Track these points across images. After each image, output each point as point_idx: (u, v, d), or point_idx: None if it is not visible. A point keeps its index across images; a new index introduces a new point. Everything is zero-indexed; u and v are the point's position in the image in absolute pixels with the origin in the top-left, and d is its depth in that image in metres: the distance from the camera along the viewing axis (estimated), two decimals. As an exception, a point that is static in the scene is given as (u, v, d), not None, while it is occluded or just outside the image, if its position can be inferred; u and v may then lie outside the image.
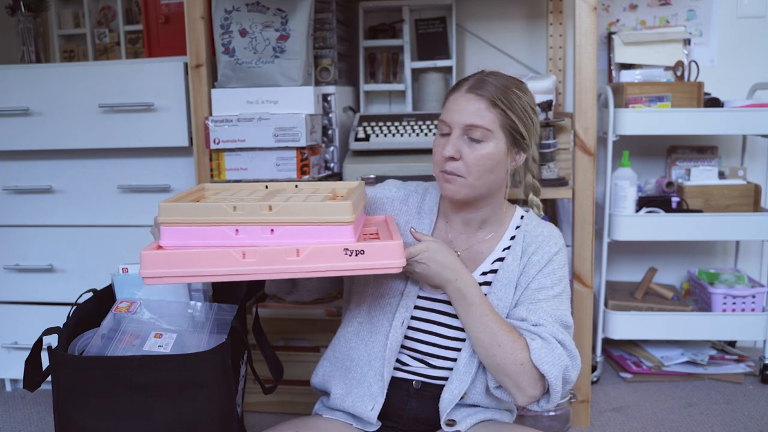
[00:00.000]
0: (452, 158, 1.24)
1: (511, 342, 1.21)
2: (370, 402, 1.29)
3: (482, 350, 1.23)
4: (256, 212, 1.10)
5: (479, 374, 1.29)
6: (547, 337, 1.21)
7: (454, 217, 1.34)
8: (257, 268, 1.08)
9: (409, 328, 1.32)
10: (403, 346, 1.32)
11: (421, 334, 1.32)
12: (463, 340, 1.29)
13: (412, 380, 1.32)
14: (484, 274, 1.31)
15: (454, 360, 1.31)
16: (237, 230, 1.11)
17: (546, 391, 1.24)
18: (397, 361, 1.33)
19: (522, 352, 1.20)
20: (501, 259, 1.32)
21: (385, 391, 1.29)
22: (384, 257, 1.09)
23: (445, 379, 1.31)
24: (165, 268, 1.08)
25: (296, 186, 1.36)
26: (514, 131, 1.25)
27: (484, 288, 1.29)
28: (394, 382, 1.32)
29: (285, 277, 1.10)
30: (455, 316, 1.29)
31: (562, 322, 1.25)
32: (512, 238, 1.33)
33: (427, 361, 1.32)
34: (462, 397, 1.29)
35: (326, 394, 1.40)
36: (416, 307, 1.31)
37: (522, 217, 1.36)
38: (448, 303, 1.28)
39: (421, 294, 1.31)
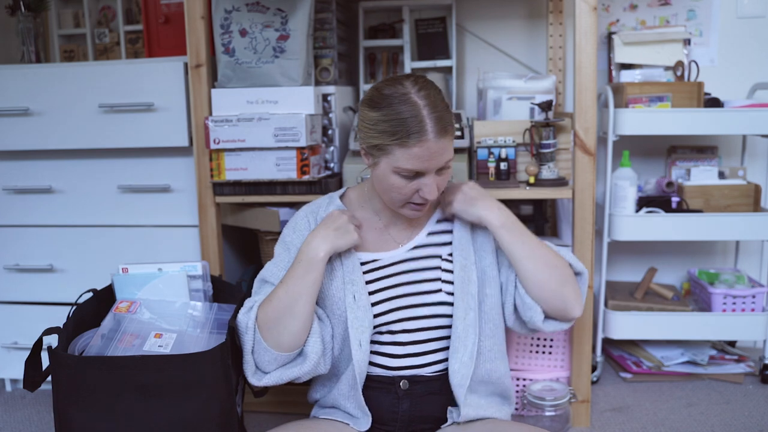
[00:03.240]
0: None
1: (559, 256, 1.37)
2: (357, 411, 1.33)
3: (546, 275, 1.32)
4: None
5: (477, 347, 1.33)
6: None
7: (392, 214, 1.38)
8: None
9: (377, 333, 1.33)
10: (377, 352, 1.34)
11: (391, 325, 1.33)
12: (441, 316, 1.33)
13: (399, 381, 1.32)
14: (430, 234, 1.39)
15: (441, 340, 1.34)
16: None
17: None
18: (379, 366, 1.33)
19: (564, 260, 1.37)
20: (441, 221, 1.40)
21: (364, 405, 1.31)
22: None
23: (437, 368, 1.33)
24: None
25: None
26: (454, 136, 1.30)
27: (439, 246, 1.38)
28: (381, 386, 1.33)
29: None
30: (419, 305, 1.32)
31: None
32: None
33: (413, 352, 1.33)
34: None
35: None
36: (376, 315, 1.31)
37: None
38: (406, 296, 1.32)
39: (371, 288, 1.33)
